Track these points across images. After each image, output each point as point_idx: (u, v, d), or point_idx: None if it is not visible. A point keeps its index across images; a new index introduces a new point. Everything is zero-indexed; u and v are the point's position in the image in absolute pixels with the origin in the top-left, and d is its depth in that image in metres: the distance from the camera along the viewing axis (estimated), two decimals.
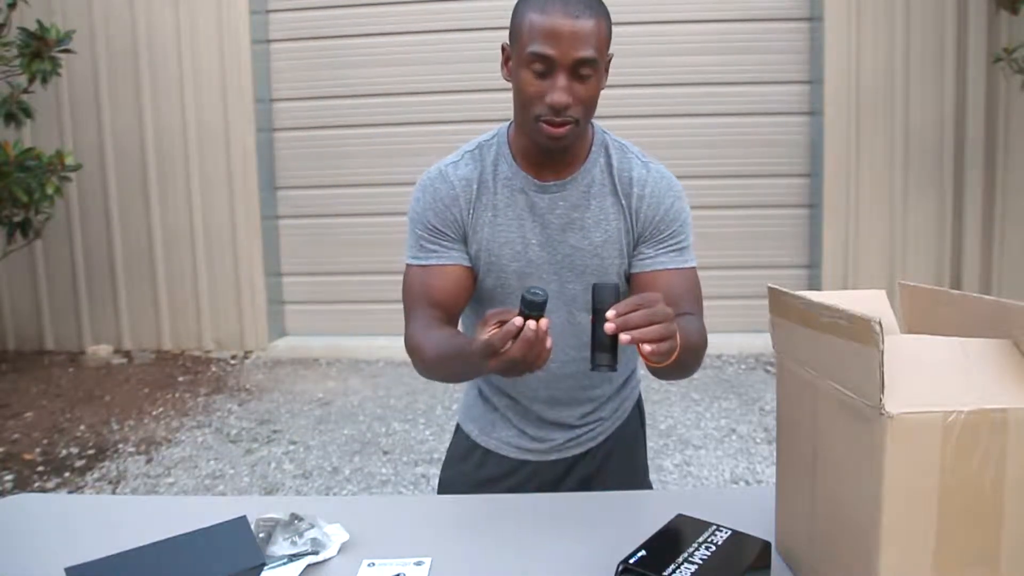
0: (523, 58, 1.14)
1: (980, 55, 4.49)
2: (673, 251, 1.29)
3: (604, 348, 0.99)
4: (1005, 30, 4.42)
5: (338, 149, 4.98)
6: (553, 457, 1.41)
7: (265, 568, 1.03)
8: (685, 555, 0.95)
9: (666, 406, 3.90)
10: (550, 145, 1.18)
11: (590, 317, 1.00)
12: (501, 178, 1.28)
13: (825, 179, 4.70)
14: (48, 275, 5.06)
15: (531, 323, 0.93)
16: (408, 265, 1.30)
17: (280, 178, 5.09)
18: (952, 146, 4.63)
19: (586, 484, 1.41)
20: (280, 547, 1.09)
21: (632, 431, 1.48)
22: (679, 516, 1.07)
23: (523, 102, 1.17)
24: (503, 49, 1.22)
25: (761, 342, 4.59)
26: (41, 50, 4.10)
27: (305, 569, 1.06)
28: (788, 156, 4.87)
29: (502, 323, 0.97)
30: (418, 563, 1.06)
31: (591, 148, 1.29)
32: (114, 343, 5.07)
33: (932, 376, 0.81)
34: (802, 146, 4.86)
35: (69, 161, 4.27)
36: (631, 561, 0.94)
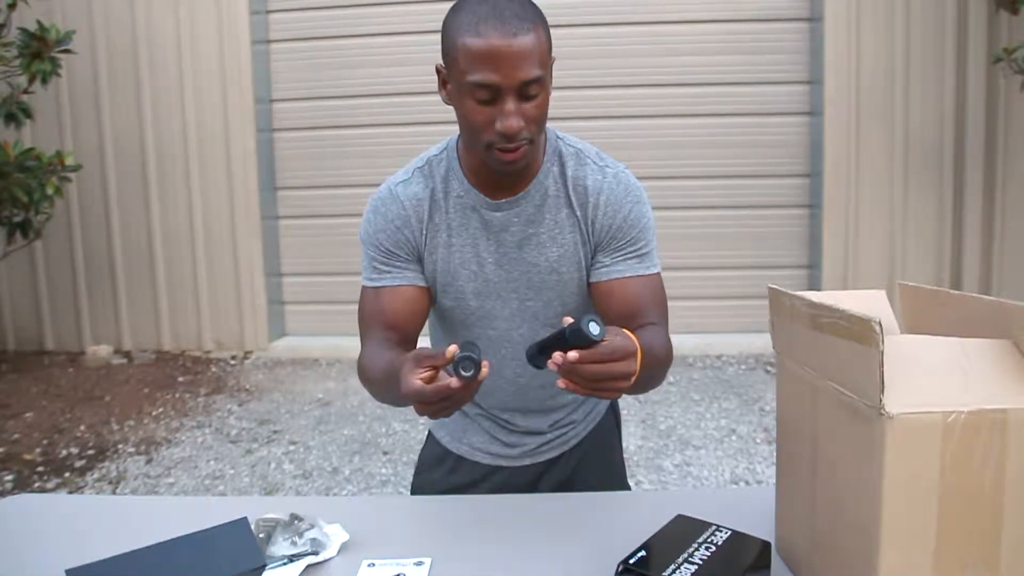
0: (464, 86, 1.07)
1: (980, 55, 4.49)
2: (633, 258, 1.21)
3: (542, 360, 0.97)
4: (1005, 30, 4.43)
5: (338, 149, 4.98)
6: (526, 462, 1.39)
7: (265, 568, 1.03)
8: (685, 555, 0.95)
9: (666, 406, 3.90)
10: (507, 170, 1.13)
11: (567, 323, 0.93)
12: (453, 196, 1.22)
13: (825, 179, 4.70)
14: (48, 275, 5.06)
15: (460, 380, 0.90)
16: (363, 288, 1.26)
17: (280, 178, 5.09)
18: (952, 146, 4.63)
19: (561, 488, 1.39)
20: (280, 547, 1.09)
21: (606, 433, 1.46)
22: (679, 516, 1.07)
23: (471, 130, 1.10)
24: (437, 71, 1.16)
25: (761, 342, 4.59)
26: (41, 50, 4.10)
27: (305, 569, 1.06)
28: (788, 156, 4.87)
29: (433, 367, 0.93)
30: (418, 563, 1.06)
31: (543, 159, 1.22)
32: (114, 343, 5.07)
33: (932, 376, 0.81)
34: (802, 146, 4.86)
35: (69, 161, 4.27)
36: (631, 561, 0.94)
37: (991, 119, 4.57)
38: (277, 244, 5.14)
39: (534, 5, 1.10)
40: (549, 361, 0.89)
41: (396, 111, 4.88)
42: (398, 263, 1.23)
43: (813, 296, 0.92)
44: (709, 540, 0.99)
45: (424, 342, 1.36)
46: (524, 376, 1.31)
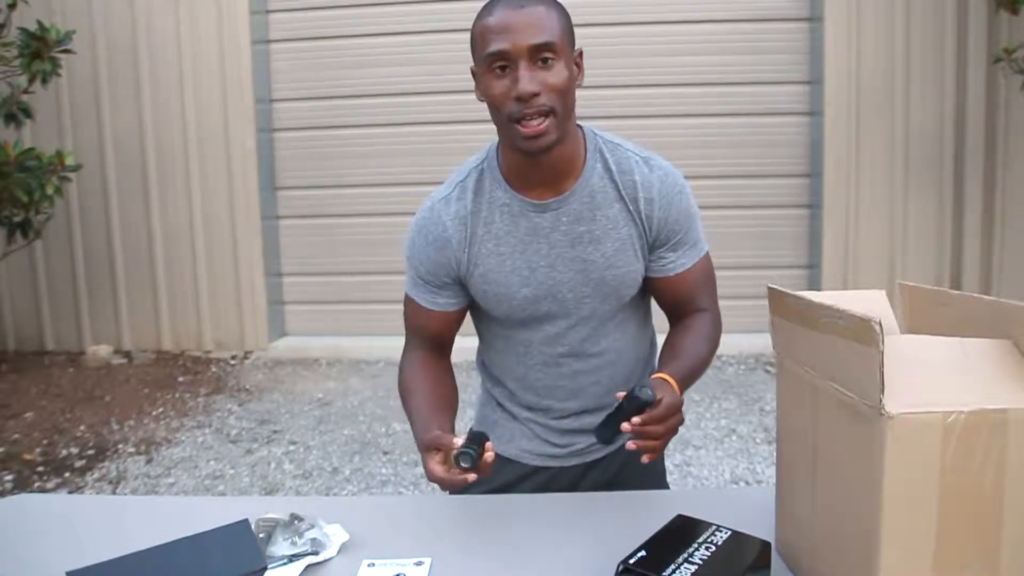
0: (483, 64, 1.13)
1: (980, 55, 4.49)
2: (689, 247, 1.28)
3: (609, 432, 1.13)
4: (1005, 30, 4.42)
5: (338, 149, 4.98)
6: (574, 462, 1.40)
7: (266, 570, 1.03)
8: (685, 555, 0.95)
9: None
10: (532, 147, 1.13)
11: (621, 397, 1.09)
12: (498, 205, 1.24)
13: (825, 179, 4.70)
14: (48, 275, 5.06)
15: (470, 477, 1.05)
16: (406, 292, 1.34)
17: (280, 178, 5.09)
18: (952, 146, 4.63)
19: (602, 487, 1.40)
20: (280, 547, 1.09)
21: None
22: (679, 516, 1.07)
23: (494, 107, 1.15)
24: (473, 75, 1.21)
25: (761, 342, 4.59)
26: (41, 50, 4.10)
27: (305, 569, 1.06)
28: (788, 156, 4.87)
29: (444, 452, 1.08)
30: (418, 563, 1.06)
31: (586, 156, 1.24)
32: (114, 343, 5.07)
33: (932, 376, 0.81)
34: (802, 146, 4.86)
35: (69, 161, 4.26)
36: (631, 561, 0.94)
37: (991, 119, 4.57)
38: (277, 244, 5.14)
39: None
40: (623, 425, 1.05)
41: (396, 111, 4.88)
42: (432, 287, 1.29)
43: (813, 296, 0.92)
44: (709, 540, 0.99)
45: (398, 342, 1.38)
46: (580, 373, 1.32)
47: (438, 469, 1.07)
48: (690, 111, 4.82)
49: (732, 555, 0.97)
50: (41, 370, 4.75)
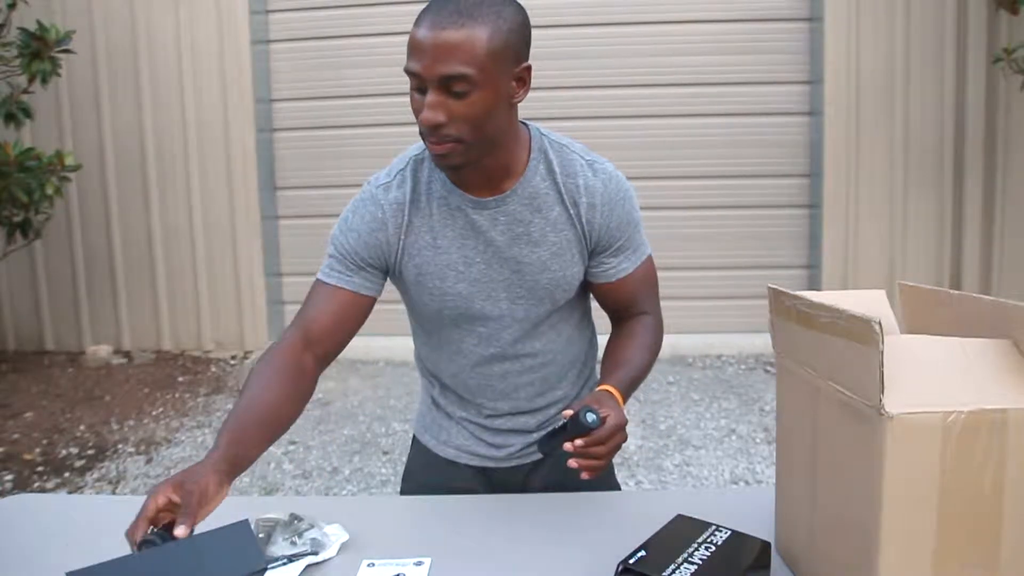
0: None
1: (980, 55, 4.49)
2: (631, 251, 1.27)
3: (551, 447, 1.12)
4: (1005, 30, 4.42)
5: (338, 149, 4.98)
6: (513, 463, 1.38)
7: (267, 571, 1.03)
8: (685, 555, 0.95)
9: (666, 406, 3.90)
10: (440, 164, 1.12)
11: (567, 416, 1.07)
12: (436, 197, 1.21)
13: (825, 179, 4.70)
14: (48, 275, 5.06)
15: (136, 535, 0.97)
16: (317, 279, 1.28)
17: (280, 178, 5.09)
18: (952, 146, 4.63)
19: (551, 489, 1.37)
20: (280, 547, 1.09)
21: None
22: (679, 516, 1.07)
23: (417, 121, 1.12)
24: None
25: (761, 342, 4.59)
26: (41, 50, 4.10)
27: (305, 569, 1.06)
28: (788, 156, 4.87)
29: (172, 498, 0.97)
30: (418, 563, 1.06)
31: (529, 157, 1.21)
32: (114, 343, 5.07)
33: (932, 376, 0.81)
34: (802, 146, 4.86)
35: (69, 161, 4.26)
36: (631, 561, 0.94)
37: (991, 119, 4.57)
38: (277, 244, 5.14)
39: (493, 6, 1.06)
40: (565, 444, 1.04)
41: (396, 111, 4.86)
42: (351, 265, 1.22)
43: (813, 296, 0.92)
44: (709, 540, 0.99)
45: (398, 342, 1.36)
46: (512, 374, 1.30)
47: (137, 534, 0.95)
48: (690, 111, 4.82)
49: (732, 555, 0.97)
50: (41, 370, 4.75)
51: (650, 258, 1.31)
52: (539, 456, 1.37)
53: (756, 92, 4.80)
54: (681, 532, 1.02)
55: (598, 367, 1.37)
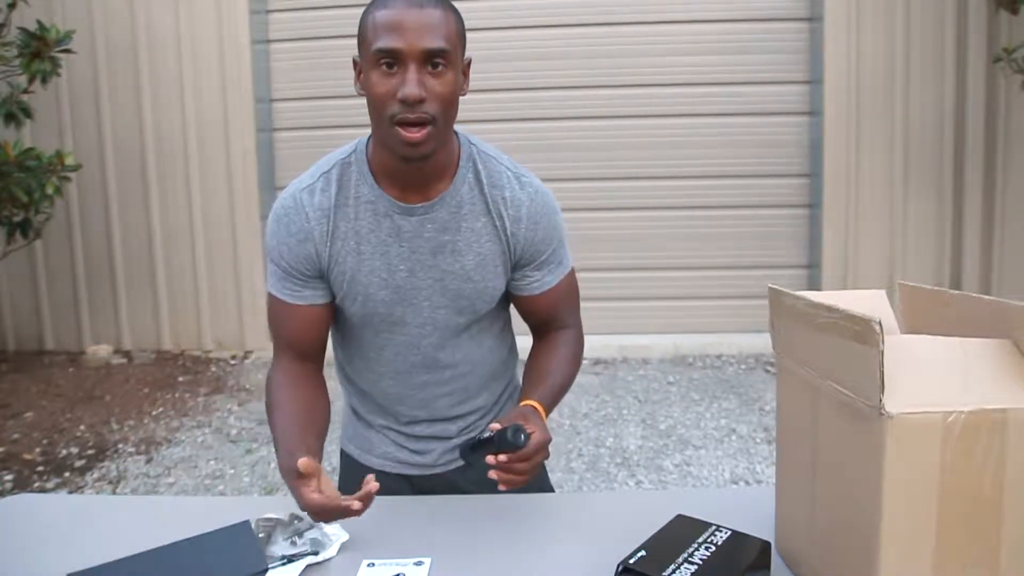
0: (370, 58, 1.08)
1: (980, 55, 4.49)
2: (554, 264, 1.26)
3: (474, 457, 1.13)
4: (1005, 30, 4.43)
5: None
6: (438, 471, 1.37)
7: (267, 571, 1.03)
8: (685, 555, 0.95)
9: (666, 406, 3.90)
10: (409, 153, 1.10)
11: (494, 430, 1.07)
12: (363, 202, 1.19)
13: (825, 179, 4.70)
14: (48, 275, 5.06)
15: (354, 506, 1.01)
16: (268, 292, 1.27)
17: (280, 178, 5.09)
18: (952, 146, 4.63)
19: (481, 491, 1.37)
20: (280, 547, 1.09)
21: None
22: (679, 516, 1.07)
23: (375, 105, 1.11)
24: (354, 64, 1.16)
25: (761, 342, 4.59)
26: (41, 50, 4.10)
27: (305, 569, 1.06)
28: (788, 156, 4.87)
29: (310, 474, 1.00)
30: (418, 563, 1.06)
31: (458, 164, 1.21)
32: (114, 343, 5.07)
33: (932, 376, 0.81)
34: (802, 146, 4.86)
35: (69, 161, 4.26)
36: (631, 561, 0.94)
37: (991, 119, 4.57)
38: None
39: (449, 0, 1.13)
40: (488, 457, 1.05)
41: None
42: (297, 280, 1.22)
43: (813, 296, 0.92)
44: (709, 540, 0.99)
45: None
46: (431, 384, 1.30)
47: (315, 496, 1.00)
48: (690, 111, 4.82)
49: (732, 555, 0.97)
50: (41, 370, 4.75)
51: (572, 271, 1.31)
52: (462, 463, 1.36)
53: (756, 92, 4.80)
54: (681, 532, 1.02)
55: (519, 374, 1.38)
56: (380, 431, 1.38)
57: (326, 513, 1.00)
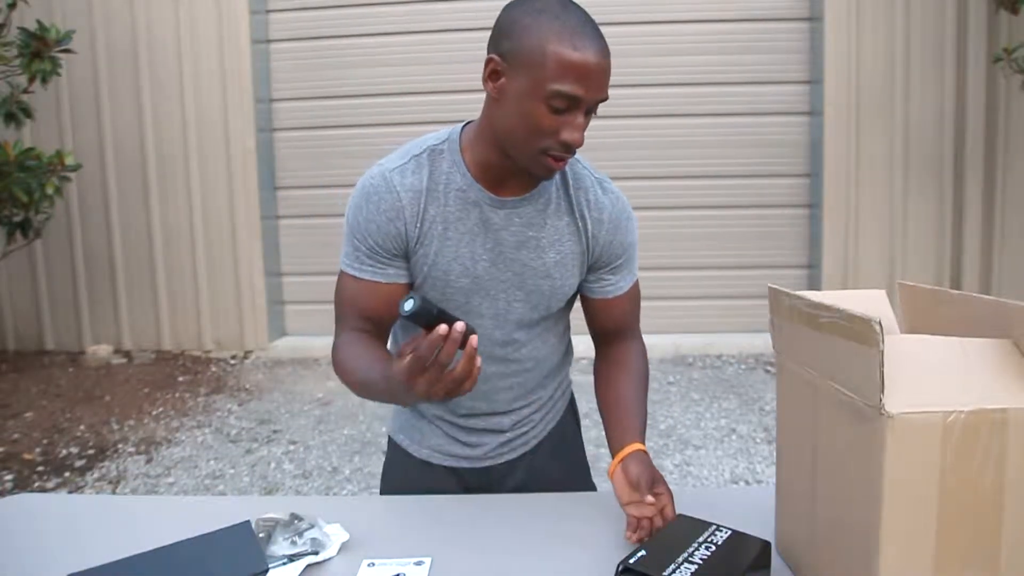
0: (542, 91, 1.04)
1: (980, 55, 4.49)
2: (627, 271, 1.29)
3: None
4: (1005, 30, 4.43)
5: (338, 149, 4.98)
6: (487, 464, 1.38)
7: (268, 572, 1.03)
8: (685, 555, 0.95)
9: (666, 406, 3.90)
10: (546, 177, 1.14)
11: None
12: (454, 189, 1.20)
13: (825, 179, 4.70)
14: (48, 275, 5.06)
15: (457, 326, 0.87)
16: (342, 271, 1.24)
17: (280, 178, 5.09)
18: (952, 146, 4.63)
19: (522, 489, 1.38)
20: (280, 547, 1.09)
21: (566, 433, 1.46)
22: (680, 516, 1.07)
23: (531, 133, 1.08)
24: (489, 61, 1.10)
25: (761, 342, 4.59)
26: (41, 50, 4.10)
27: (305, 569, 1.06)
28: (788, 156, 4.87)
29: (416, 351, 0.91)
30: (418, 563, 1.06)
31: None
32: (114, 343, 5.07)
33: (932, 376, 0.81)
34: (802, 146, 4.86)
35: (69, 161, 4.27)
36: (631, 561, 0.94)
37: (991, 119, 4.57)
38: (277, 244, 5.14)
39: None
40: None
41: (396, 111, 4.88)
42: (382, 259, 1.20)
43: (813, 296, 0.92)
44: (709, 540, 0.99)
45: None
46: (495, 376, 1.31)
47: (402, 362, 0.91)
48: (690, 111, 4.82)
49: (732, 555, 0.97)
50: (41, 370, 4.75)
51: (638, 283, 1.34)
52: (512, 456, 1.38)
53: (756, 92, 4.80)
54: (681, 532, 1.02)
55: (569, 373, 1.40)
56: (433, 421, 1.38)
57: (415, 365, 0.89)
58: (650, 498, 1.05)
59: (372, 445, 3.56)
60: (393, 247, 1.20)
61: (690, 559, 0.94)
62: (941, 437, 0.78)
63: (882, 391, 0.78)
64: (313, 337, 5.13)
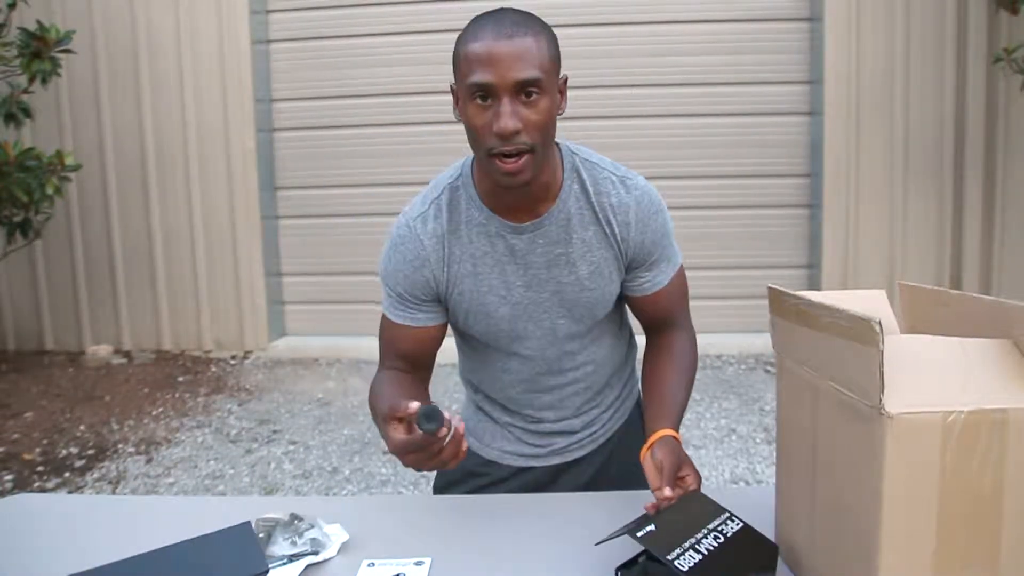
0: (465, 91, 1.09)
1: (980, 55, 4.49)
2: (664, 263, 1.28)
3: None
4: (1005, 30, 4.42)
5: (338, 149, 4.98)
6: (555, 461, 1.40)
7: (268, 572, 1.03)
8: (693, 540, 0.94)
9: None
10: (509, 182, 1.11)
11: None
12: (475, 225, 1.22)
13: (825, 179, 4.70)
14: (48, 275, 5.06)
15: (439, 433, 0.96)
16: (383, 313, 1.30)
17: (280, 178, 5.09)
18: (952, 146, 4.63)
19: (585, 487, 1.41)
20: (280, 547, 1.09)
21: (633, 431, 1.47)
22: (696, 493, 1.06)
23: (474, 138, 1.11)
24: (451, 90, 1.15)
25: (761, 342, 4.59)
26: (41, 50, 4.10)
27: (305, 569, 1.06)
28: (788, 156, 4.87)
29: (400, 419, 1.01)
30: (418, 563, 1.07)
31: (563, 178, 1.22)
32: (114, 343, 5.07)
33: (932, 376, 0.81)
34: (802, 146, 4.86)
35: (69, 161, 4.26)
36: (639, 534, 0.92)
37: (991, 119, 4.57)
38: (277, 244, 5.14)
39: (539, 19, 1.12)
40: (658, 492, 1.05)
41: (396, 111, 4.88)
42: (411, 304, 1.25)
43: (813, 296, 0.92)
44: (720, 529, 0.97)
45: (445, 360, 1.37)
46: (558, 387, 1.33)
47: (400, 436, 0.99)
48: (690, 111, 4.82)
49: (739, 551, 0.96)
50: (41, 370, 4.75)
51: (681, 268, 1.32)
52: (581, 453, 1.40)
53: (756, 92, 4.80)
54: (694, 512, 1.00)
55: (638, 366, 1.40)
56: (505, 427, 1.40)
57: (407, 446, 0.98)
58: (667, 491, 1.04)
59: (372, 445, 3.56)
60: (422, 294, 1.24)
61: (697, 546, 0.93)
62: (941, 437, 0.78)
63: (882, 391, 0.78)
64: (313, 337, 5.13)
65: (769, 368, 4.40)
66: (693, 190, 4.84)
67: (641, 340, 1.40)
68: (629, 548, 1.02)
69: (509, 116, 1.06)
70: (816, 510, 0.95)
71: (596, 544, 0.98)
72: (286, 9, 4.95)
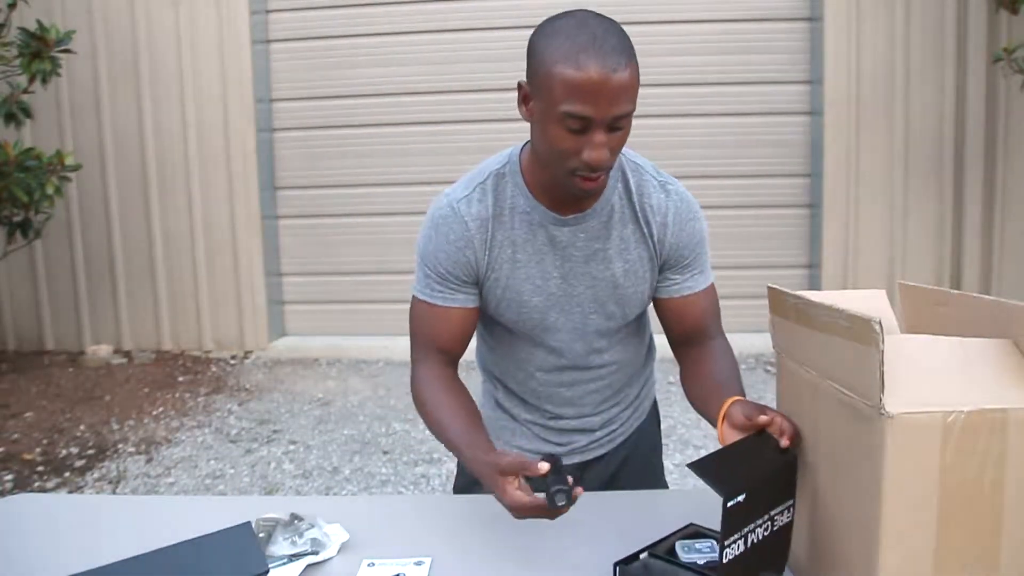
0: (554, 114, 1.06)
1: (980, 55, 4.49)
2: (698, 273, 1.29)
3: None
4: (1005, 30, 4.42)
5: (338, 149, 4.98)
6: (575, 459, 1.41)
7: (268, 573, 1.03)
8: (752, 526, 0.89)
9: (666, 406, 3.88)
10: (584, 195, 1.16)
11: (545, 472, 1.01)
12: (519, 212, 1.23)
13: (825, 179, 4.70)
14: (48, 275, 5.06)
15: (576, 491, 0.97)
16: (414, 296, 1.28)
17: (280, 178, 5.09)
18: (952, 146, 4.63)
19: (604, 485, 1.41)
20: (280, 547, 1.09)
21: (650, 431, 1.50)
22: (792, 454, 0.97)
23: (555, 156, 1.10)
24: (519, 87, 1.13)
25: (761, 342, 4.58)
26: (41, 50, 4.10)
27: (305, 569, 1.06)
28: (788, 156, 4.87)
29: (521, 475, 1.01)
30: (418, 563, 1.07)
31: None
32: (114, 343, 5.07)
33: (932, 376, 0.81)
34: (802, 146, 4.86)
35: (69, 161, 4.26)
36: (728, 504, 0.85)
37: (991, 119, 4.57)
38: (277, 244, 5.14)
39: (627, 36, 1.09)
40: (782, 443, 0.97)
41: (396, 111, 4.88)
42: (452, 285, 1.24)
43: (813, 296, 0.92)
44: (775, 517, 0.93)
45: (398, 342, 1.36)
46: (580, 382, 1.34)
47: (522, 497, 0.99)
48: (690, 111, 4.82)
49: (771, 548, 0.92)
50: (41, 370, 4.75)
51: (714, 287, 1.32)
52: (598, 453, 1.41)
53: (756, 92, 4.80)
54: (775, 489, 0.94)
55: (655, 366, 1.42)
56: (524, 424, 1.41)
57: (530, 511, 0.99)
58: (762, 417, 0.97)
59: (372, 445, 3.56)
60: (463, 274, 1.24)
61: (750, 535, 0.88)
62: (941, 437, 0.78)
63: (882, 391, 0.78)
64: (313, 337, 5.13)
65: (769, 368, 4.40)
66: (693, 190, 4.77)
67: (660, 340, 1.39)
68: (629, 544, 1.02)
69: (602, 150, 1.06)
70: (816, 510, 0.95)
71: (687, 465, 0.92)
72: (286, 9, 4.95)
